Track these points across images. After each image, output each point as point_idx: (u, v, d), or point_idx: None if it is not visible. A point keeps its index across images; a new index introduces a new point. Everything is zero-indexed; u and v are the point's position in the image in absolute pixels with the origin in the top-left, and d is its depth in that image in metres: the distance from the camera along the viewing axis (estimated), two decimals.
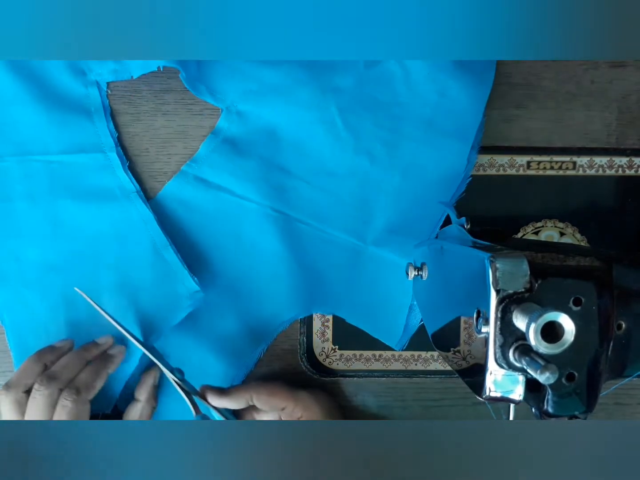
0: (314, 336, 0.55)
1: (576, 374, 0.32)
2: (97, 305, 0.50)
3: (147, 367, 0.53)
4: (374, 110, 0.52)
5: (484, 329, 0.32)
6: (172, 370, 0.49)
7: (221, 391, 0.49)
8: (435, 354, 0.54)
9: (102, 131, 0.52)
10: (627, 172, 0.53)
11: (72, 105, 0.52)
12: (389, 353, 0.55)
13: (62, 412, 0.45)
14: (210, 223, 0.53)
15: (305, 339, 0.54)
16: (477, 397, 0.34)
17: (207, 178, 0.53)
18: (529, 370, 0.29)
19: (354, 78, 0.52)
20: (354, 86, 0.52)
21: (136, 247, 0.52)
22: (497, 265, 0.31)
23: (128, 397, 0.52)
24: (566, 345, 0.28)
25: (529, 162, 0.53)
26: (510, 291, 0.31)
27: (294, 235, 0.53)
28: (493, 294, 0.31)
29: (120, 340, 0.52)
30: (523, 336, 0.30)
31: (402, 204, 0.53)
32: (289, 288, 0.53)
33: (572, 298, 0.32)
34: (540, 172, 0.53)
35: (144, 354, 0.50)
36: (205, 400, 0.48)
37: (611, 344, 0.33)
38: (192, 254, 0.53)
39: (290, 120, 0.52)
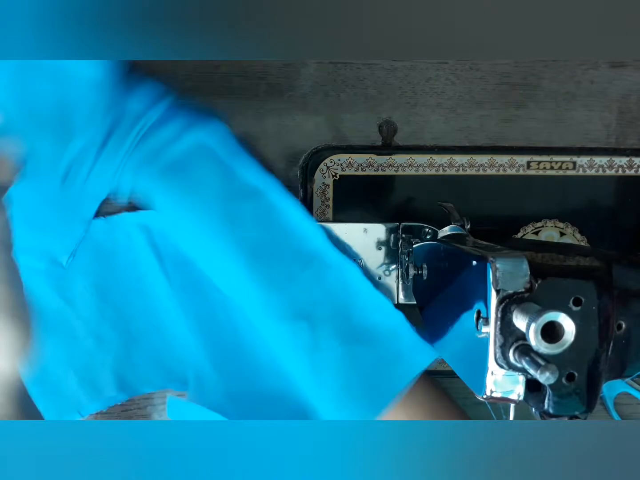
0: None
1: (576, 374, 0.32)
2: None
3: None
4: None
5: (484, 329, 0.32)
6: None
7: None
8: None
9: None
10: (627, 172, 0.53)
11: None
12: None
13: None
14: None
15: None
16: (477, 397, 0.34)
17: None
18: (529, 370, 0.29)
19: None
20: None
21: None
22: (497, 265, 0.31)
23: None
24: (566, 345, 0.28)
25: (529, 162, 0.53)
26: (510, 291, 0.31)
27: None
28: (493, 294, 0.31)
29: None
30: (523, 336, 0.30)
31: None
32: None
33: (572, 298, 0.32)
34: (540, 172, 0.53)
35: None
36: None
37: (611, 344, 0.33)
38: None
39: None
